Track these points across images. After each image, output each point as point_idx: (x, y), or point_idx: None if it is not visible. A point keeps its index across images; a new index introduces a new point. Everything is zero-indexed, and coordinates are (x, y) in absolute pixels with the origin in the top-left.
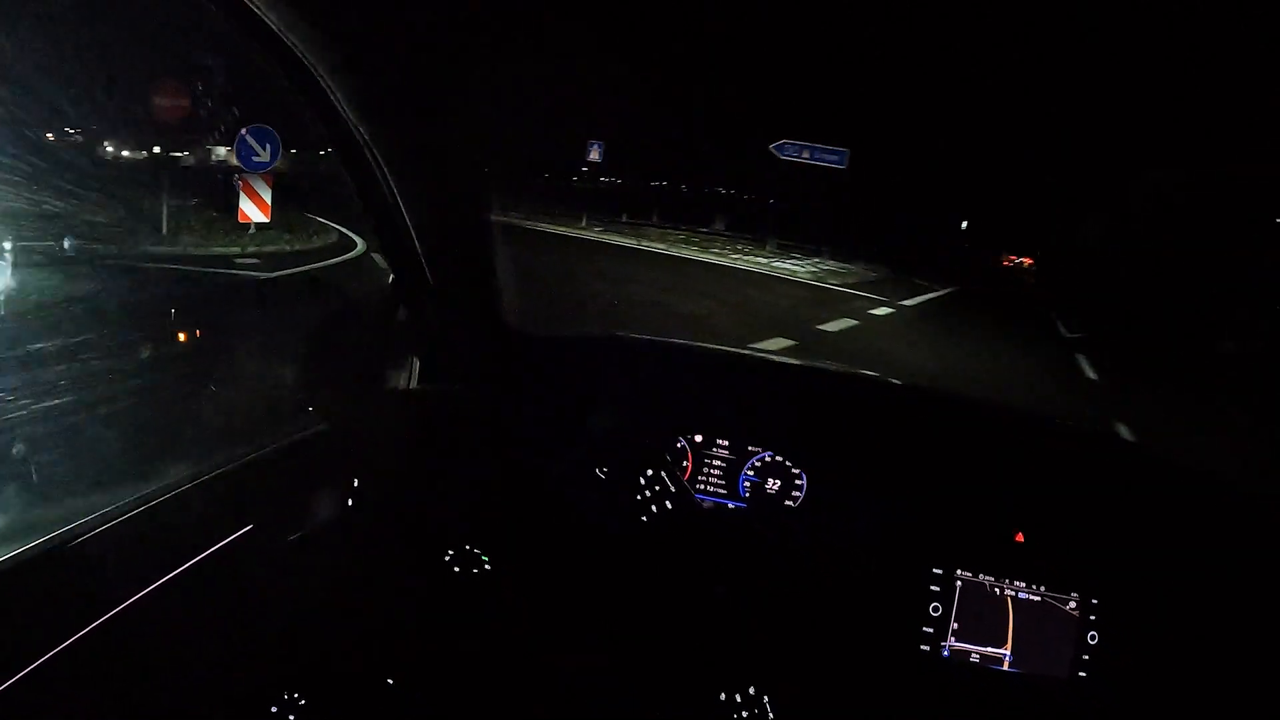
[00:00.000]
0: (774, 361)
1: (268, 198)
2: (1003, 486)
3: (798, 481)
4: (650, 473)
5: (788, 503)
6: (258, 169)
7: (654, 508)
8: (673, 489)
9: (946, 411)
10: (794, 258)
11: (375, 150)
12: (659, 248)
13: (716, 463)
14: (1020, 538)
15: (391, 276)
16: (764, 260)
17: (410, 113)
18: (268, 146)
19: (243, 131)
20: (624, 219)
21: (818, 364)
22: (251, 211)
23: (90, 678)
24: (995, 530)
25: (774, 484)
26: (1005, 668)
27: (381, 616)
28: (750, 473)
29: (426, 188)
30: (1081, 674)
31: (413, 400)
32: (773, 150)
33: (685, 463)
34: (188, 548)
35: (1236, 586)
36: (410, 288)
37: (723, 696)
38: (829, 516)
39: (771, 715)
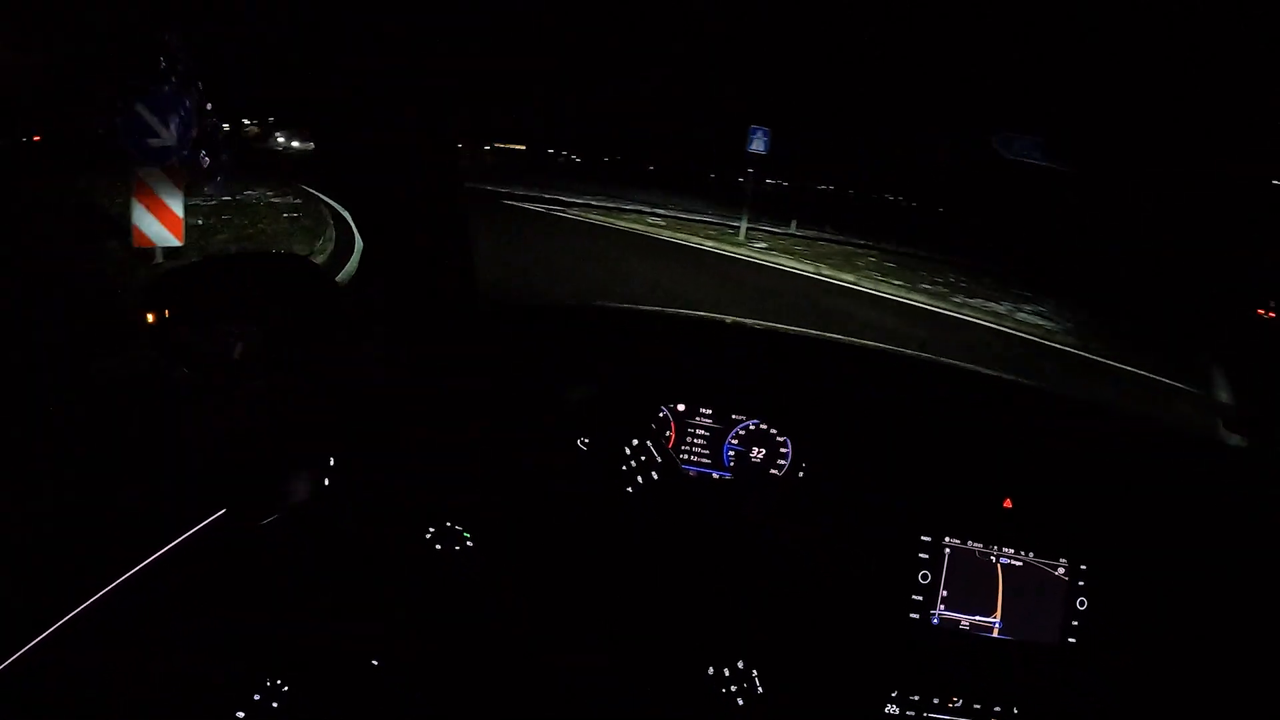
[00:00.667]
0: (757, 328)
1: (179, 209)
2: (990, 453)
3: (783, 450)
4: (635, 443)
5: (773, 471)
6: (157, 159)
7: (639, 479)
8: (659, 459)
9: (933, 378)
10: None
11: (343, 124)
12: (861, 284)
13: (700, 432)
14: (1008, 504)
15: (361, 249)
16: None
17: (377, 90)
18: (173, 123)
19: (131, 102)
20: (793, 228)
21: (802, 330)
22: (154, 231)
23: (66, 671)
24: (983, 497)
25: (759, 453)
26: (995, 635)
27: (363, 597)
28: (734, 441)
29: (396, 158)
30: (1071, 640)
31: (388, 375)
32: (996, 147)
33: (668, 432)
34: (160, 535)
35: (1225, 550)
36: (382, 261)
37: (711, 670)
38: (815, 485)
39: (760, 688)
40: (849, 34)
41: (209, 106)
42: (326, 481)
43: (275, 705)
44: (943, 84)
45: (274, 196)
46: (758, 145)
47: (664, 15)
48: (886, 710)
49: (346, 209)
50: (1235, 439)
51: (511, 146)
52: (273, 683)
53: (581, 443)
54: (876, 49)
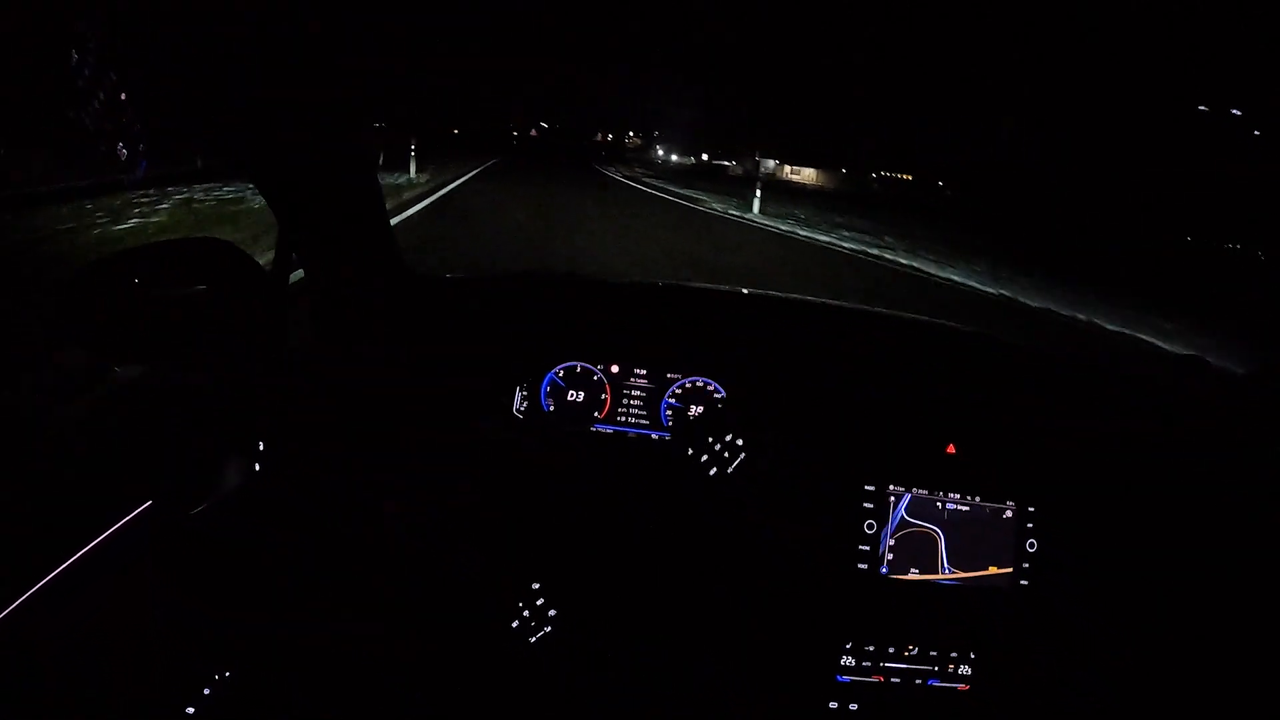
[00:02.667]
0: (688, 287)
1: None
2: (931, 398)
3: (721, 406)
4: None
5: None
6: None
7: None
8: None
9: (868, 326)
10: None
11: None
12: None
13: (636, 393)
14: (952, 449)
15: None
16: None
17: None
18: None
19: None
20: None
21: (733, 287)
22: None
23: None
24: (926, 443)
25: (697, 410)
26: (945, 581)
27: (305, 582)
28: (672, 400)
29: (307, 135)
30: (1024, 582)
31: (317, 357)
32: None
33: (603, 395)
34: (83, 531)
35: (1171, 483)
36: (303, 243)
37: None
38: (755, 439)
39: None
40: None
41: (123, 97)
42: (257, 466)
43: (226, 700)
44: None
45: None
46: None
47: None
48: (843, 663)
49: (262, 192)
50: (1175, 372)
51: (900, 176)
52: (220, 675)
53: (519, 412)
54: None
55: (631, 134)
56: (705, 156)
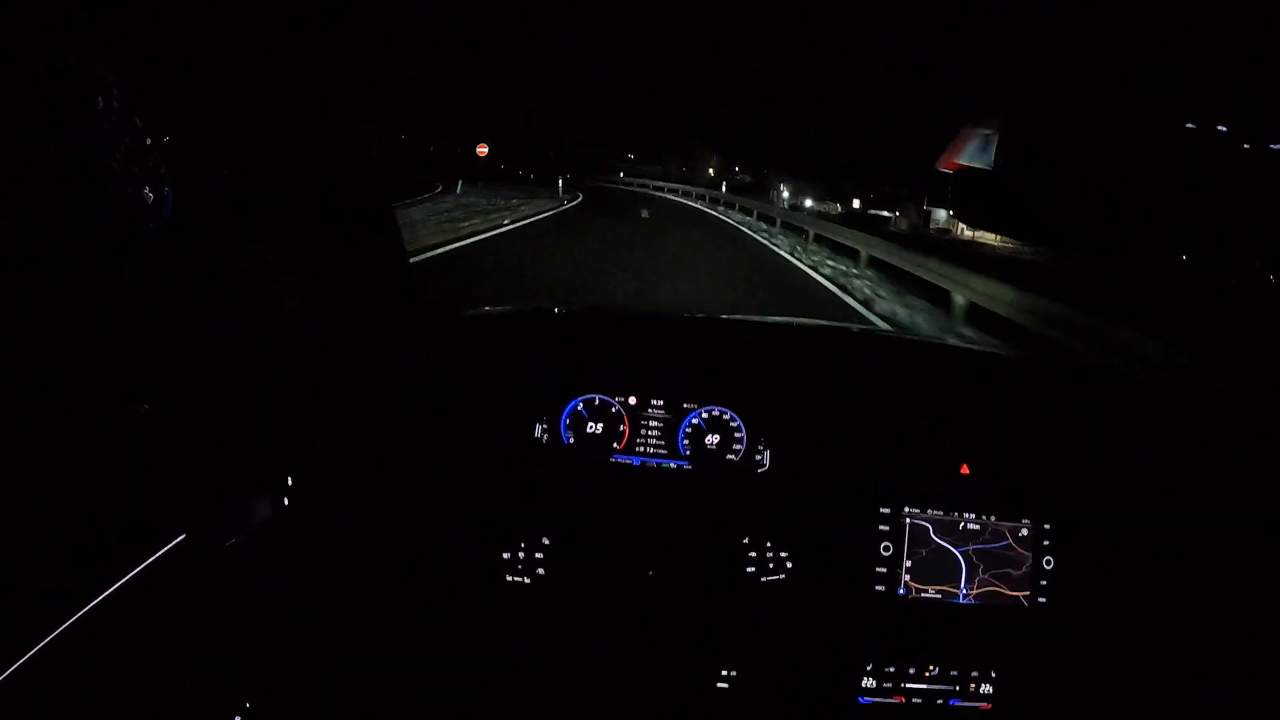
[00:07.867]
0: (701, 319)
1: None
2: (944, 420)
3: (738, 435)
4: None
5: (730, 457)
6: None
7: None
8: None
9: (881, 350)
10: None
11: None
12: None
13: (654, 423)
14: (965, 470)
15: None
16: None
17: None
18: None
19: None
20: None
21: (746, 317)
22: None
23: (32, 707)
24: (939, 465)
25: (714, 439)
26: (964, 600)
27: (334, 615)
28: (689, 430)
29: (328, 172)
30: (1041, 600)
31: (343, 391)
32: None
33: (622, 426)
34: (120, 563)
35: (1186, 496)
36: (325, 277)
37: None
38: (772, 467)
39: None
40: None
41: (148, 142)
42: (286, 500)
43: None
44: None
45: None
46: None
47: None
48: (864, 684)
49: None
50: (1184, 383)
51: None
52: (247, 705)
53: (540, 445)
54: None
55: (738, 169)
56: (857, 204)
